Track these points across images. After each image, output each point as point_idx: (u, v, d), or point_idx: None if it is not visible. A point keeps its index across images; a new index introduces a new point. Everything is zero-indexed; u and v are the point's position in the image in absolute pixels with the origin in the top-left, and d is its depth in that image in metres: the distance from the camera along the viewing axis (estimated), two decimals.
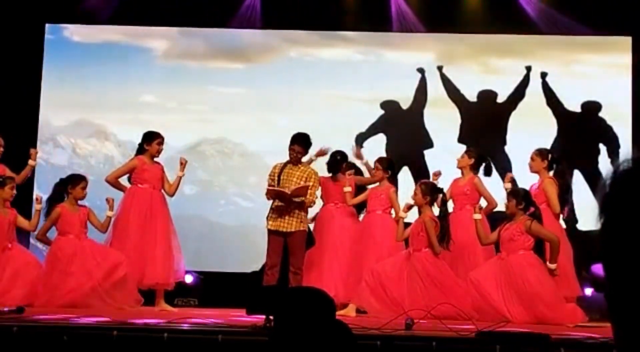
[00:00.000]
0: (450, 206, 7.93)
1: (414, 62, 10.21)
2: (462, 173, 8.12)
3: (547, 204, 7.53)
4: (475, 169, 8.12)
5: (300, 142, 7.65)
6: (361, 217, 8.27)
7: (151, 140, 7.98)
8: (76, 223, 7.64)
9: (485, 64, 10.29)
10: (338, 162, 8.27)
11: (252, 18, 10.07)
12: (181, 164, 8.07)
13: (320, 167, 8.27)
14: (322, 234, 8.02)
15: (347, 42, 10.37)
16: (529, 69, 10.04)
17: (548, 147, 9.70)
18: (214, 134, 10.41)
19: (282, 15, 10.15)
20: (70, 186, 7.73)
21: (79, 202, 7.79)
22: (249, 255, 9.13)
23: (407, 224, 7.77)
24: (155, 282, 7.70)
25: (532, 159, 7.88)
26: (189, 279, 8.91)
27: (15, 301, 6.96)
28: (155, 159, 8.07)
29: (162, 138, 8.04)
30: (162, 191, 8.02)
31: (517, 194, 7.36)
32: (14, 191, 7.73)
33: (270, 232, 7.52)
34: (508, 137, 9.97)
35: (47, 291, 7.36)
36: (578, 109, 10.01)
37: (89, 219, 7.74)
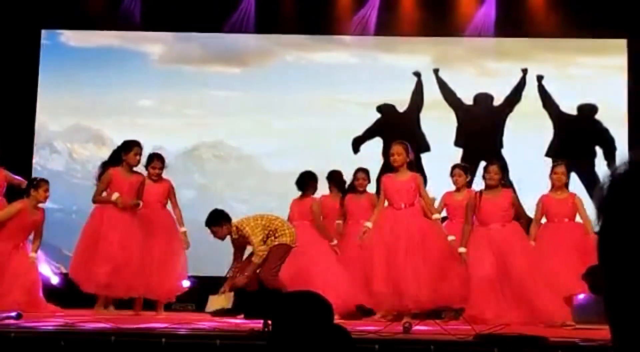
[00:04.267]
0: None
1: (410, 66, 10.22)
2: (459, 189, 8.13)
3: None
4: (469, 184, 8.29)
5: (214, 223, 7.49)
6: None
7: (129, 150, 7.60)
8: (125, 188, 7.51)
9: (481, 67, 10.30)
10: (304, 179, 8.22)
11: (247, 22, 10.09)
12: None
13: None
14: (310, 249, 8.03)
15: (343, 46, 10.39)
16: (525, 71, 10.06)
17: (545, 149, 9.77)
18: (210, 137, 10.41)
19: (277, 20, 10.17)
20: (123, 152, 7.63)
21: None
22: None
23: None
24: (156, 297, 7.71)
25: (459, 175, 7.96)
26: (185, 283, 8.90)
27: (15, 304, 6.96)
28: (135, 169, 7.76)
29: (140, 147, 7.66)
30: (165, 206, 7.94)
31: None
32: (48, 194, 7.68)
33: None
34: (504, 140, 9.98)
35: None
36: (574, 112, 10.03)
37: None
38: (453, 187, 8.22)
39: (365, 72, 10.21)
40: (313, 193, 8.25)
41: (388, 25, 10.13)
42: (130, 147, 7.58)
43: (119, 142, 10.21)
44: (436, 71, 10.12)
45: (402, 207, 7.35)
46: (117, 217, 7.47)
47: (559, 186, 7.53)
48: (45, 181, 7.82)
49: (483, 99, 10.10)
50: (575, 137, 9.93)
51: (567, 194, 7.55)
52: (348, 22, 10.15)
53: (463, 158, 9.70)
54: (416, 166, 9.83)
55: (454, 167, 8.31)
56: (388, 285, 7.15)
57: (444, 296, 7.18)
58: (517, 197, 7.61)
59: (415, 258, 7.16)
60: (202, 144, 10.41)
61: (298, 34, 10.34)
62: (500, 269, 7.18)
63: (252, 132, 10.21)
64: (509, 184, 8.17)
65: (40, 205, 7.77)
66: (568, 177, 7.79)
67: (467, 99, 10.14)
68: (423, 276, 7.12)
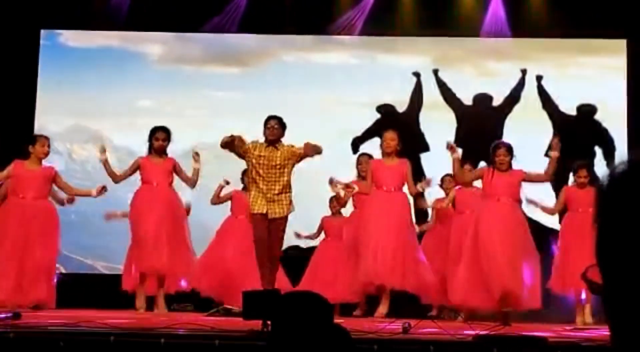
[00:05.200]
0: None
1: (410, 66, 10.22)
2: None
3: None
4: None
5: (280, 119, 7.26)
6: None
7: (150, 136, 7.97)
8: (154, 173, 7.73)
9: (481, 67, 10.30)
10: None
11: (234, 22, 10.10)
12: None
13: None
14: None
15: (342, 46, 10.38)
16: (524, 72, 10.06)
17: (544, 149, 9.72)
18: (210, 138, 10.40)
19: (277, 20, 10.18)
20: (149, 138, 7.87)
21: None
22: None
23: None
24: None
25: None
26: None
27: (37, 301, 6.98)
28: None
29: (162, 131, 7.95)
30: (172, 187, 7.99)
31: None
32: (46, 149, 7.62)
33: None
34: (504, 140, 9.98)
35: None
36: (574, 112, 10.03)
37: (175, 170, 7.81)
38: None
39: (365, 73, 10.21)
40: None
41: (387, 24, 10.12)
42: (151, 132, 7.92)
43: (119, 143, 10.26)
44: (435, 72, 10.12)
45: (392, 190, 7.43)
46: (153, 201, 7.69)
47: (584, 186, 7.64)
48: (42, 136, 7.78)
49: (482, 100, 10.10)
50: (575, 137, 9.94)
51: (590, 187, 7.61)
52: (345, 22, 10.16)
53: (462, 158, 9.70)
54: (415, 166, 9.86)
55: (446, 176, 8.43)
56: (379, 263, 7.25)
57: (413, 284, 7.28)
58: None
59: (404, 238, 7.29)
60: (202, 144, 10.39)
61: (297, 35, 10.33)
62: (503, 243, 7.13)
63: (252, 133, 10.20)
64: None
65: (45, 162, 7.66)
66: (567, 177, 7.87)
67: (467, 99, 10.15)
68: (403, 258, 7.29)
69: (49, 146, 7.64)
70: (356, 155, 8.93)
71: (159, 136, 7.87)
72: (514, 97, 10.08)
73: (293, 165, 7.16)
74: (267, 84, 10.25)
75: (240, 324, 5.52)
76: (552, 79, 10.08)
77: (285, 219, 7.14)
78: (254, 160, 7.15)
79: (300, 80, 10.32)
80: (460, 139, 9.99)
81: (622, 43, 9.93)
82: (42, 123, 10.23)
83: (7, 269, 7.25)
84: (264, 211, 7.08)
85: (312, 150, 7.05)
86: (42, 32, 10.35)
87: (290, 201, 7.17)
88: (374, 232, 7.31)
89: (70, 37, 10.45)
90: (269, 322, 4.61)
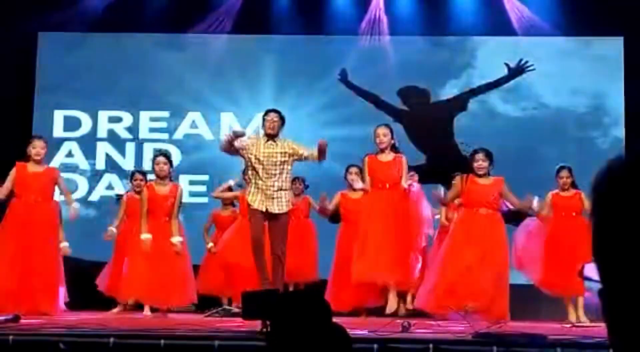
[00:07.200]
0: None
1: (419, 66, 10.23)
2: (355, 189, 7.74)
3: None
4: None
5: (279, 112, 7.06)
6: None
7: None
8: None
9: (479, 67, 10.29)
10: None
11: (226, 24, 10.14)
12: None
13: None
14: None
15: (346, 44, 10.33)
16: (508, 65, 10.10)
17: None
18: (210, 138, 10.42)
19: (277, 20, 10.21)
20: None
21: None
22: None
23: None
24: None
25: None
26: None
27: (36, 310, 6.90)
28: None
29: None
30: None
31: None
32: (35, 150, 7.31)
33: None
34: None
35: None
36: (571, 109, 10.04)
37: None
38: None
39: (370, 71, 10.20)
40: None
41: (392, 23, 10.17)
42: None
43: (117, 144, 10.27)
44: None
45: (387, 188, 7.30)
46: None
47: (566, 188, 7.63)
48: (35, 137, 7.54)
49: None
50: (573, 135, 9.94)
51: (573, 192, 7.62)
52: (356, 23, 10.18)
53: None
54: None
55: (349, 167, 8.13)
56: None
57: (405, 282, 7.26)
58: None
59: (391, 236, 7.20)
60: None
61: (297, 35, 10.34)
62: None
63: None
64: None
65: (43, 164, 7.45)
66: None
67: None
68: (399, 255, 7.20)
69: (42, 147, 7.33)
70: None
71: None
72: (474, 92, 10.09)
73: (292, 163, 7.00)
74: (269, 82, 10.27)
75: (240, 324, 5.53)
76: (549, 76, 10.06)
77: (286, 215, 6.96)
78: (252, 157, 6.92)
79: (302, 78, 10.33)
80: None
81: (619, 40, 9.92)
82: (40, 124, 10.22)
83: (9, 274, 7.12)
84: (264, 209, 6.89)
85: (325, 155, 6.92)
86: (40, 34, 10.34)
87: (289, 199, 7.05)
88: (371, 231, 7.22)
89: (68, 40, 10.40)
90: (268, 322, 4.60)
